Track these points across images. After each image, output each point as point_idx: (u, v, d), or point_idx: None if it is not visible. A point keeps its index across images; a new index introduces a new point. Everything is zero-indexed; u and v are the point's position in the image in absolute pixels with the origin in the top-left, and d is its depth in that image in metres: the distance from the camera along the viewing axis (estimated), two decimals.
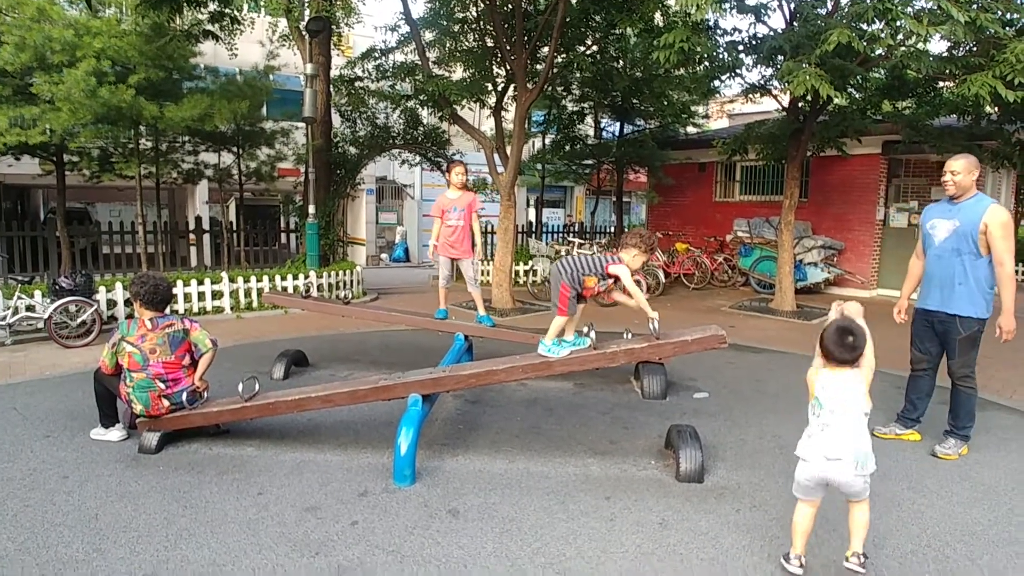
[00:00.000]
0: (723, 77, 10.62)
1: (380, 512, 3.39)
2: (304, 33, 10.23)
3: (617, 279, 3.88)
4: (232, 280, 9.18)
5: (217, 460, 4.10)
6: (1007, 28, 7.65)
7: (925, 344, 4.49)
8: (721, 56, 9.10)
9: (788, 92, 8.27)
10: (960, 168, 4.15)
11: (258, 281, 9.38)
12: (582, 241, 12.36)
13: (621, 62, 12.86)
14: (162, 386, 4.19)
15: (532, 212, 20.12)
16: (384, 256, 21.09)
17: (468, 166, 7.36)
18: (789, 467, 4.09)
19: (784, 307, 10.14)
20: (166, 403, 4.21)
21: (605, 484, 3.76)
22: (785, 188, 10.21)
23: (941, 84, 10.03)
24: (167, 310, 4.40)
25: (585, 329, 4.00)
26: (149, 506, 3.45)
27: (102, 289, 8.10)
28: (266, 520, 3.32)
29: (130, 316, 4.77)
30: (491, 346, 6.40)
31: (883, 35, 7.37)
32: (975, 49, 7.95)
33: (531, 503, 3.51)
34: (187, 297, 8.84)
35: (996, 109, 9.54)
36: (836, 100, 10.42)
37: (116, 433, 4.41)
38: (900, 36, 7.70)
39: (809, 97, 8.68)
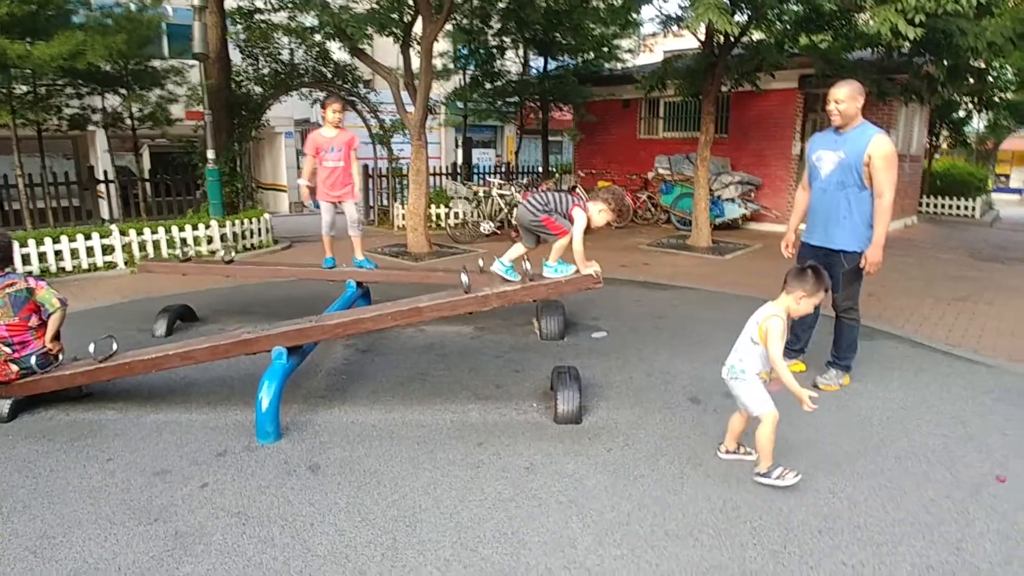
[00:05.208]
0: (640, 7, 10.33)
1: (235, 472, 3.20)
2: None
3: (573, 222, 3.80)
4: (123, 233, 8.61)
5: (73, 426, 3.82)
6: None
7: None
8: None
9: (688, 26, 8.02)
10: (844, 96, 4.05)
11: (152, 233, 8.83)
12: (502, 182, 12.09)
13: None
14: (8, 350, 3.86)
15: (461, 153, 19.61)
16: (308, 202, 20.35)
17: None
18: (670, 402, 4.10)
19: (700, 243, 10.20)
20: (15, 368, 3.89)
21: (480, 430, 3.66)
22: (702, 124, 10.14)
23: (856, 15, 10.00)
24: (10, 269, 4.02)
25: (465, 280, 3.81)
26: None
27: None
28: (110, 488, 3.10)
29: None
30: (399, 291, 6.18)
31: None
32: None
33: (398, 454, 3.38)
34: (74, 253, 8.25)
35: (908, 42, 9.60)
36: (756, 34, 10.30)
37: None
38: None
39: (722, 30, 8.52)
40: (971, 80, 13.05)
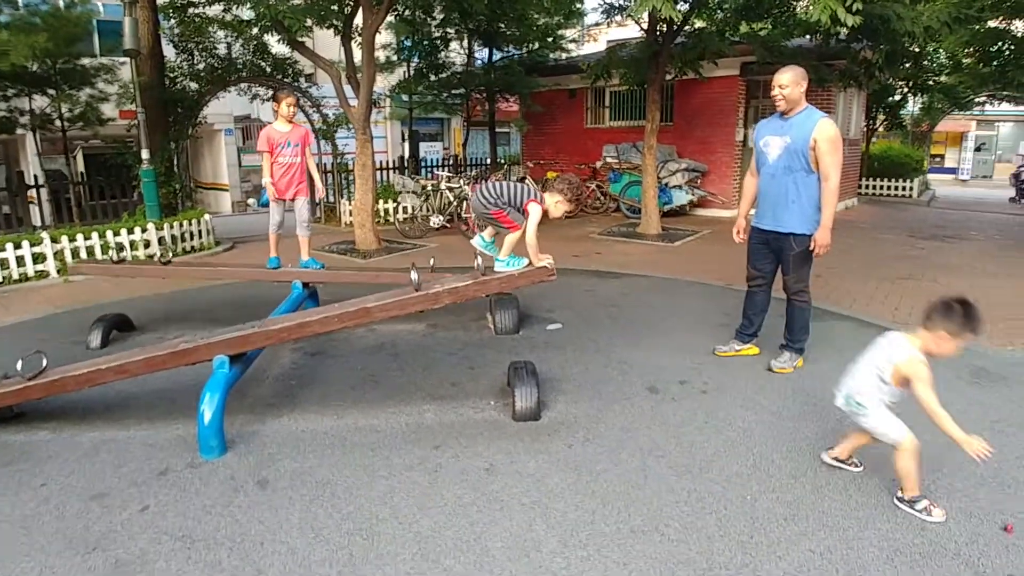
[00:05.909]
0: None
1: (178, 492, 3.03)
2: None
3: (527, 216, 3.71)
4: (55, 240, 8.17)
5: (2, 449, 3.56)
6: None
7: (760, 261, 4.51)
8: None
9: (630, 14, 7.98)
10: (787, 81, 4.07)
11: (86, 239, 8.41)
12: (451, 175, 11.93)
13: None
14: None
15: (408, 146, 19.31)
16: (251, 201, 19.78)
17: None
18: (628, 393, 4.06)
19: (650, 231, 10.25)
20: None
21: (437, 432, 3.56)
22: (647, 112, 10.17)
23: (795, 2, 10.13)
24: None
25: (415, 277, 3.68)
26: None
27: None
28: (44, 515, 2.89)
29: None
30: (348, 291, 6.00)
31: None
32: None
33: (352, 462, 3.25)
34: (3, 263, 7.78)
35: (846, 29, 9.77)
36: (698, 23, 10.35)
37: None
38: None
39: (664, 18, 8.52)
40: (907, 65, 13.41)
